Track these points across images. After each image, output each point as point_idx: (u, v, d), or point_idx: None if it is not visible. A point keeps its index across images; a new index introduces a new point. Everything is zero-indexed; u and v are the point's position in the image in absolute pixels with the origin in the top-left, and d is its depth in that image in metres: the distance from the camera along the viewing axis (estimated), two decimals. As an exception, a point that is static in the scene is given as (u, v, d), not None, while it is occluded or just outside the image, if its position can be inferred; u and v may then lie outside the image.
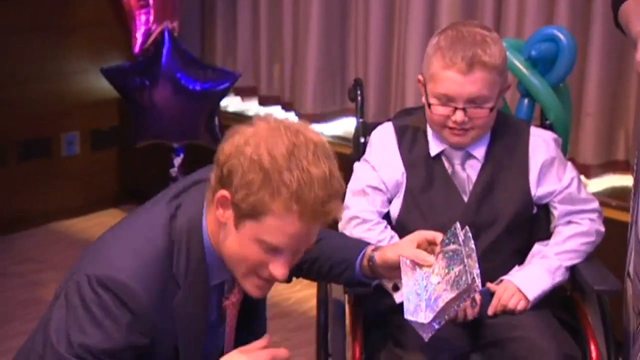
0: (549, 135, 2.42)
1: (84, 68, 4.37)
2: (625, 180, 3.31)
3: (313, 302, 2.54)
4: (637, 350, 2.19)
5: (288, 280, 1.81)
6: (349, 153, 2.63)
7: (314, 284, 2.39)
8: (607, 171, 3.35)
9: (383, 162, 2.36)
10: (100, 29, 4.35)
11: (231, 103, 4.36)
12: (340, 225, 2.37)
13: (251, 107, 4.34)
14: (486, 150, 2.34)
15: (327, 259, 2.09)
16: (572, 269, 2.35)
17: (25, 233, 4.28)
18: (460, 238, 1.97)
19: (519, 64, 2.61)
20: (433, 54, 2.25)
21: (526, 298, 2.26)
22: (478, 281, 1.91)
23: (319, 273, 2.10)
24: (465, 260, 1.92)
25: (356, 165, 2.43)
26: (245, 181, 1.62)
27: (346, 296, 2.42)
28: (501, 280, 2.30)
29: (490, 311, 2.26)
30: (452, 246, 1.97)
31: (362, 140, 2.54)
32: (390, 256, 2.02)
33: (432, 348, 2.08)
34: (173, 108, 3.83)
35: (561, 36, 2.63)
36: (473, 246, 1.95)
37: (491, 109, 2.25)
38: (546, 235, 2.39)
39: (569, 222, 2.37)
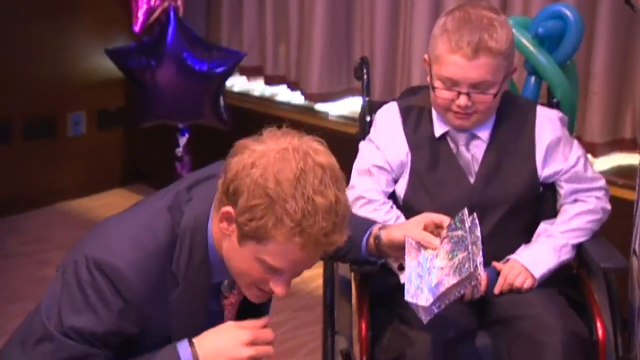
0: (555, 114, 2.41)
1: (91, 48, 4.37)
2: (631, 159, 3.30)
3: (319, 281, 2.55)
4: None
5: None
6: (355, 132, 2.62)
7: (320, 263, 2.39)
8: (614, 149, 3.34)
9: (387, 142, 2.35)
10: (107, 8, 4.35)
11: (237, 83, 4.36)
12: (346, 205, 2.37)
13: (257, 86, 4.33)
14: (491, 131, 2.33)
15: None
16: (578, 247, 2.35)
17: (32, 213, 4.30)
18: (466, 224, 1.97)
19: (525, 42, 2.60)
20: (439, 36, 2.23)
21: (532, 276, 2.26)
22: (480, 269, 1.91)
23: (325, 252, 2.10)
24: (470, 247, 1.92)
25: (361, 144, 2.43)
26: (250, 205, 1.61)
27: (352, 274, 2.42)
28: (507, 260, 2.30)
29: (496, 290, 2.26)
30: (458, 232, 1.97)
31: (368, 119, 2.54)
32: (397, 236, 2.02)
33: (439, 326, 2.08)
34: (178, 88, 3.83)
35: (568, 13, 2.61)
36: (479, 234, 1.95)
37: (495, 95, 2.24)
38: (552, 214, 2.39)
39: (575, 201, 2.37)
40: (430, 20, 3.44)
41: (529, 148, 2.34)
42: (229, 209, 1.63)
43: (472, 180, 2.31)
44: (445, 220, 2.03)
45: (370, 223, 2.11)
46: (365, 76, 2.61)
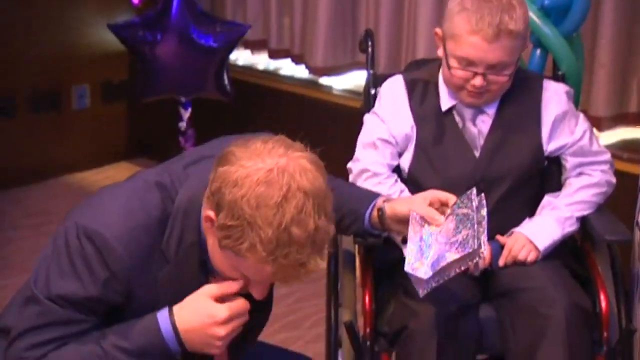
0: (561, 88, 2.40)
1: (95, 20, 4.36)
2: (637, 133, 3.30)
3: (323, 254, 2.55)
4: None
5: None
6: (359, 106, 2.62)
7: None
8: (619, 123, 3.33)
9: (392, 115, 2.35)
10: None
11: (241, 56, 4.35)
12: (350, 178, 2.37)
13: (261, 60, 4.32)
14: (498, 106, 2.32)
15: (337, 210, 2.07)
16: (582, 220, 2.35)
17: (37, 186, 4.31)
18: (474, 204, 1.97)
19: (531, 14, 2.57)
20: (457, 13, 2.21)
21: (536, 249, 2.26)
22: (484, 248, 1.91)
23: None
24: (475, 225, 1.92)
25: (366, 117, 2.42)
26: (227, 224, 1.58)
27: (356, 247, 2.43)
28: (511, 232, 2.30)
29: (500, 262, 2.27)
30: (465, 210, 1.97)
31: (373, 92, 2.53)
32: (401, 209, 2.02)
33: (442, 298, 2.09)
34: (182, 62, 3.81)
35: (575, -15, 2.60)
36: (485, 214, 1.95)
37: (510, 75, 2.23)
38: (557, 187, 2.39)
39: (580, 174, 2.37)
40: (436, -9, 3.43)
41: (535, 122, 2.33)
42: (211, 214, 1.62)
43: (477, 154, 2.31)
44: (451, 198, 2.03)
45: (374, 196, 2.11)
46: (370, 49, 2.59)
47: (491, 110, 2.32)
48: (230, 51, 3.94)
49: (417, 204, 2.02)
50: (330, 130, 3.93)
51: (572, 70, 2.60)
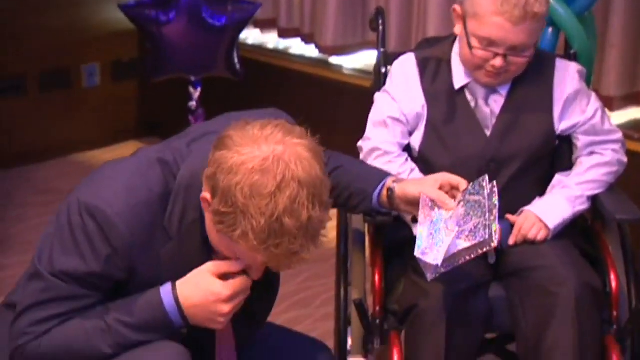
0: (573, 67, 2.39)
1: (105, -1, 4.36)
2: (648, 113, 3.29)
3: (333, 234, 2.55)
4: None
5: None
6: (369, 86, 2.61)
7: (333, 216, 2.39)
8: (631, 103, 3.32)
9: (404, 94, 2.34)
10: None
11: (250, 35, 4.33)
12: (361, 156, 2.37)
13: (270, 39, 4.31)
14: (510, 86, 2.31)
15: (346, 188, 2.09)
16: (593, 199, 2.34)
17: (46, 164, 4.32)
18: (485, 191, 1.96)
19: (544, -8, 2.57)
20: None
21: (546, 227, 2.26)
22: (495, 238, 1.89)
23: (337, 202, 2.10)
24: (487, 214, 1.91)
25: (377, 95, 2.41)
26: (221, 211, 1.58)
27: (366, 226, 2.42)
28: (522, 211, 2.30)
29: (511, 241, 2.26)
30: (476, 197, 1.96)
31: (383, 70, 2.52)
32: (412, 191, 2.01)
33: (452, 277, 2.09)
34: (193, 42, 3.80)
35: (587, -36, 2.59)
36: (497, 202, 1.94)
37: (530, 56, 2.22)
38: (568, 166, 2.38)
39: (592, 153, 2.36)
40: (447, -30, 3.41)
41: (547, 102, 2.32)
42: (208, 196, 1.62)
43: (488, 133, 2.30)
44: (462, 183, 2.02)
45: (383, 175, 2.11)
46: (380, 27, 2.58)
47: (504, 90, 2.31)
48: (240, 30, 3.93)
49: (428, 186, 2.01)
50: (339, 109, 3.93)
51: (584, 49, 2.58)
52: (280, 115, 1.83)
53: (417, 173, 2.31)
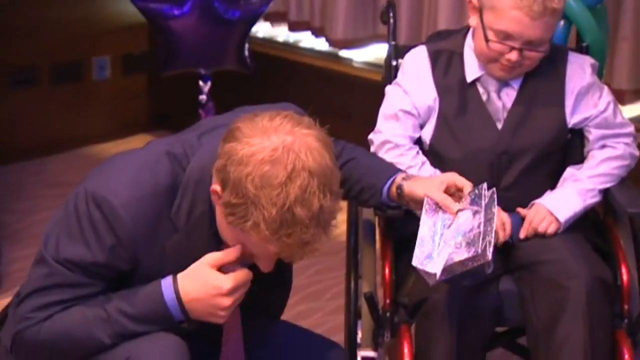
0: (586, 60, 2.38)
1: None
2: (660, 107, 3.27)
3: (343, 227, 2.55)
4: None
5: None
6: (379, 79, 2.60)
7: (344, 209, 2.39)
8: (642, 97, 3.32)
9: (415, 86, 2.33)
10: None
11: (261, 28, 4.33)
12: (372, 149, 2.37)
13: (281, 32, 4.31)
14: (523, 79, 2.30)
15: (356, 181, 2.09)
16: (605, 193, 2.34)
17: (56, 157, 4.33)
18: (483, 201, 1.95)
19: (555, -15, 2.55)
20: None
21: (557, 220, 2.25)
22: (489, 252, 1.87)
23: (348, 195, 2.10)
24: (483, 226, 1.90)
25: (388, 88, 2.41)
26: (232, 202, 1.58)
27: (376, 219, 2.42)
28: (533, 204, 2.29)
29: (521, 234, 2.26)
30: (475, 207, 1.96)
31: (394, 63, 2.51)
32: (417, 192, 2.01)
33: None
34: (205, 36, 3.79)
35: (600, -44, 2.57)
36: (495, 210, 1.93)
37: (545, 51, 2.22)
38: (580, 159, 2.38)
39: (604, 146, 2.35)
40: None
41: (559, 95, 2.32)
42: (218, 189, 1.62)
43: (499, 126, 2.30)
44: (467, 186, 2.00)
45: (394, 170, 2.10)
46: (391, 20, 2.58)
47: (516, 84, 2.31)
48: (253, 24, 3.91)
49: (433, 188, 2.00)
50: (350, 103, 3.92)
51: (596, 42, 2.57)
52: (292, 109, 1.83)
53: (428, 166, 2.31)
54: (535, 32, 2.17)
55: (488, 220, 1.91)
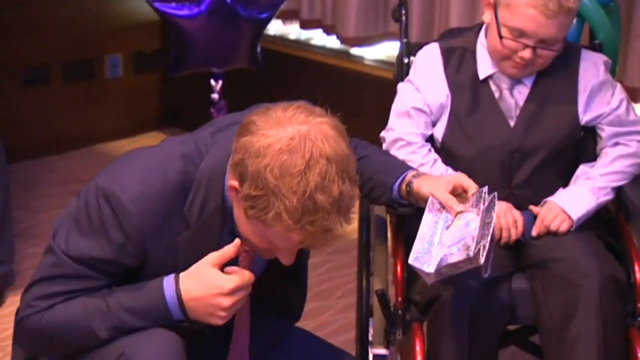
0: (599, 58, 2.37)
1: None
2: (673, 105, 3.26)
3: (354, 225, 2.55)
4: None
5: None
6: (391, 77, 2.60)
7: (356, 206, 2.39)
8: (654, 95, 3.30)
9: (428, 84, 2.33)
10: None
11: (272, 26, 4.32)
12: (384, 146, 2.37)
13: (292, 30, 4.31)
14: (535, 76, 2.30)
15: (368, 179, 2.09)
16: (618, 191, 2.33)
17: (69, 155, 4.34)
18: (481, 206, 1.94)
19: (568, -18, 2.55)
20: None
21: (570, 218, 2.25)
22: (482, 256, 1.87)
23: (360, 192, 2.09)
24: (480, 230, 1.89)
25: (400, 85, 2.41)
26: (251, 195, 1.59)
27: (388, 216, 2.42)
28: (545, 202, 2.29)
29: (534, 232, 2.25)
30: (475, 209, 1.95)
31: (406, 61, 2.51)
32: (424, 191, 2.01)
33: (475, 268, 2.08)
34: (219, 35, 3.78)
35: (613, -47, 2.56)
36: (494, 215, 1.92)
37: (558, 50, 2.22)
38: (592, 157, 2.37)
39: (616, 144, 2.35)
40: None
41: (572, 93, 2.31)
42: (235, 184, 1.62)
43: (512, 124, 2.29)
44: (471, 187, 1.99)
45: (404, 168, 2.10)
46: (403, 17, 2.58)
47: (529, 81, 2.30)
48: (268, 22, 3.91)
49: (440, 187, 1.99)
50: (361, 100, 3.92)
51: (609, 40, 2.56)
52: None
53: (440, 164, 2.31)
54: (550, 31, 2.17)
55: (485, 224, 1.91)
